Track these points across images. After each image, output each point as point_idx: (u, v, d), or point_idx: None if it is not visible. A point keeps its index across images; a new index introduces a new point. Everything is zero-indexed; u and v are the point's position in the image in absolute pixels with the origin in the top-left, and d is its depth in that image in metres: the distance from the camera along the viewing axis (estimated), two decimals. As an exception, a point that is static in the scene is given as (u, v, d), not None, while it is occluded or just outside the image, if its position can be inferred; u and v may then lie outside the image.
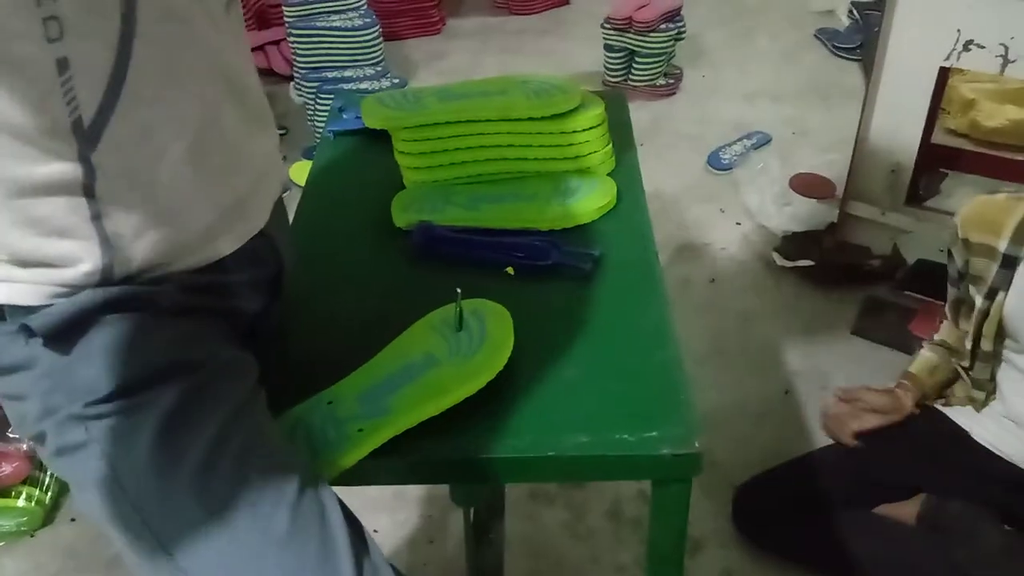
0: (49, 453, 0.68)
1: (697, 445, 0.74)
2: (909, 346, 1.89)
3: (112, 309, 0.67)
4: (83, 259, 0.66)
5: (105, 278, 0.67)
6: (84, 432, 0.65)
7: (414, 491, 1.65)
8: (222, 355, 0.70)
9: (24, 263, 0.65)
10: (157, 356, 0.67)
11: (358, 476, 0.75)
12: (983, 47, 1.70)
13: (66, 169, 0.63)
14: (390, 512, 1.61)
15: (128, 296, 0.67)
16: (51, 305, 0.66)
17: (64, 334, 0.65)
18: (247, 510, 0.64)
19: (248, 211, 0.77)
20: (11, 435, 1.64)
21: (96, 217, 0.65)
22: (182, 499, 0.64)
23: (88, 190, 0.64)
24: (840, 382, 1.83)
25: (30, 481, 1.64)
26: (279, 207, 0.87)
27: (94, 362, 0.65)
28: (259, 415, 0.69)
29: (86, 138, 0.62)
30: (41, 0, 0.57)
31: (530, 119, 1.06)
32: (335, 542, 0.66)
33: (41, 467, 1.67)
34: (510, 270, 0.95)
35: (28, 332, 0.65)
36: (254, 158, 0.78)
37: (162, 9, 0.63)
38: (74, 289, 0.66)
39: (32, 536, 1.61)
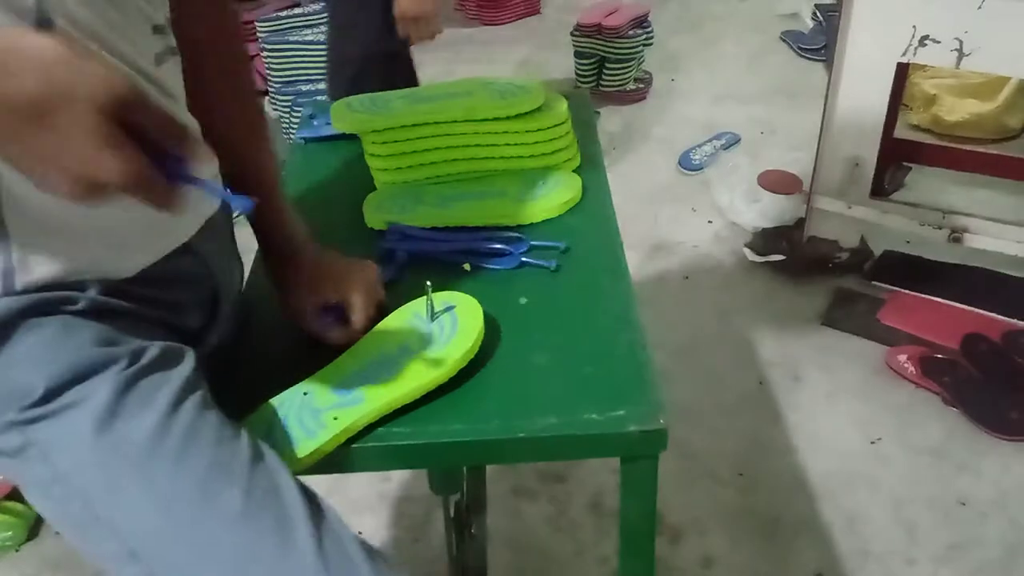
0: None
1: (662, 422, 0.77)
2: (878, 335, 1.94)
3: (29, 315, 0.66)
4: None
5: (7, 290, 0.66)
6: (22, 437, 0.65)
7: (397, 492, 1.67)
8: (152, 348, 0.69)
9: None
10: (83, 354, 0.66)
11: (336, 464, 0.77)
12: (938, 42, 1.74)
13: None
14: (373, 513, 1.63)
15: (42, 302, 0.67)
16: None
17: None
18: (197, 492, 0.64)
19: (166, 227, 0.75)
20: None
21: None
22: (129, 488, 0.64)
23: None
24: (812, 371, 1.88)
25: (14, 495, 1.64)
26: (222, 228, 0.85)
27: (21, 367, 0.65)
28: (200, 402, 0.69)
29: None
30: None
31: (496, 119, 1.09)
32: (291, 513, 0.65)
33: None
34: (467, 266, 0.97)
35: None
36: None
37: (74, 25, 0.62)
38: None
39: (17, 551, 1.61)
